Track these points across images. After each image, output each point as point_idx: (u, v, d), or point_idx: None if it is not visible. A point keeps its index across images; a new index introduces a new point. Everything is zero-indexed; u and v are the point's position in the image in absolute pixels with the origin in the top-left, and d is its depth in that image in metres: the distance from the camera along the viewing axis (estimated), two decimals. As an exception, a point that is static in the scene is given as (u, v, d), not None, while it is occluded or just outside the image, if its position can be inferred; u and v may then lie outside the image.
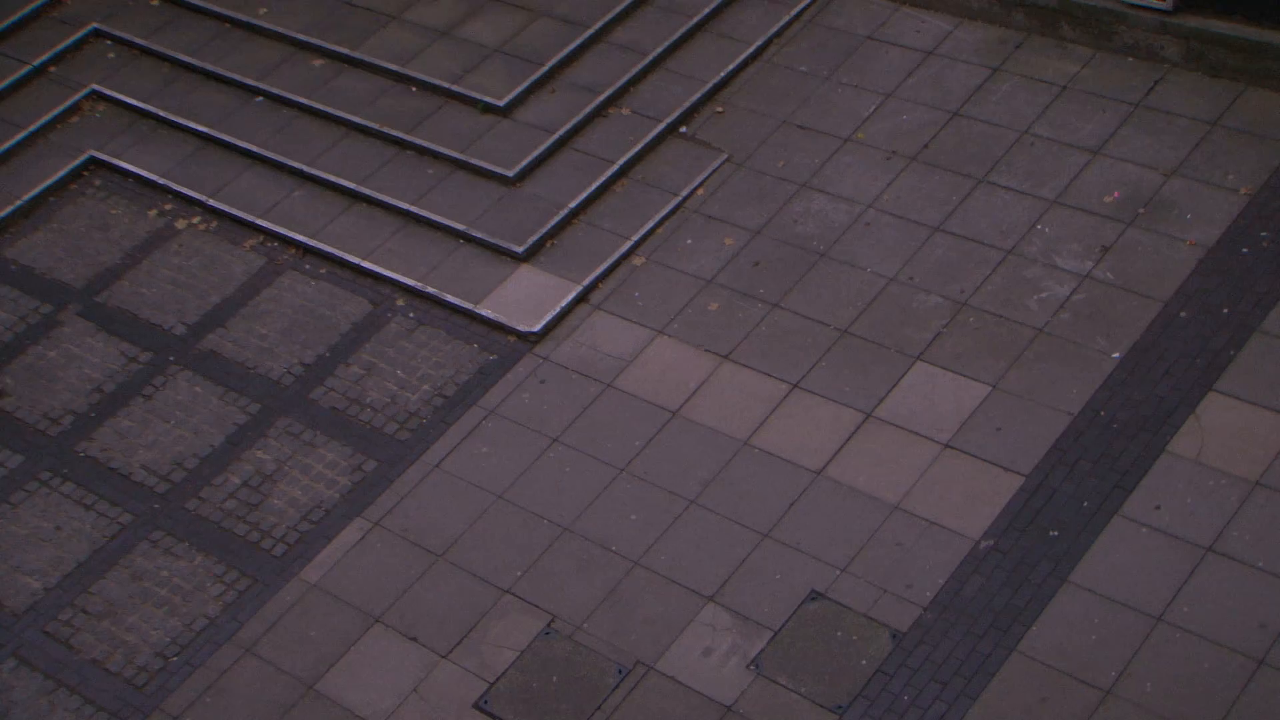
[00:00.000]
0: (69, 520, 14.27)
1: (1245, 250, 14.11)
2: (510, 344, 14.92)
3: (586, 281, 15.19)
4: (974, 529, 12.69)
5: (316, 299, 15.67)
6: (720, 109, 16.56)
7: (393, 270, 15.64)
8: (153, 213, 16.90)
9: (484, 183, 16.22)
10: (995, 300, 14.23)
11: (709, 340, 14.48)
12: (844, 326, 14.33)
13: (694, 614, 12.63)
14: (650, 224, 15.58)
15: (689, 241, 15.39)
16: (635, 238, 15.48)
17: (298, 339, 15.36)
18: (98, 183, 17.35)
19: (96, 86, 18.06)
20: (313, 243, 16.06)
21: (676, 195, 15.81)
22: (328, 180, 16.55)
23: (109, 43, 18.65)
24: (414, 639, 12.93)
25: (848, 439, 13.51)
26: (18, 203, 17.07)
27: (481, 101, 16.77)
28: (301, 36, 17.88)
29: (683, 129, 16.44)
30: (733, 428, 13.76)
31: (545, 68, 16.92)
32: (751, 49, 16.97)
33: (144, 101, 17.76)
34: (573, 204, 15.76)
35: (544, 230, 15.56)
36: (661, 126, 16.34)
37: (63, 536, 14.16)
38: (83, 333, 15.81)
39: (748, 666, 12.25)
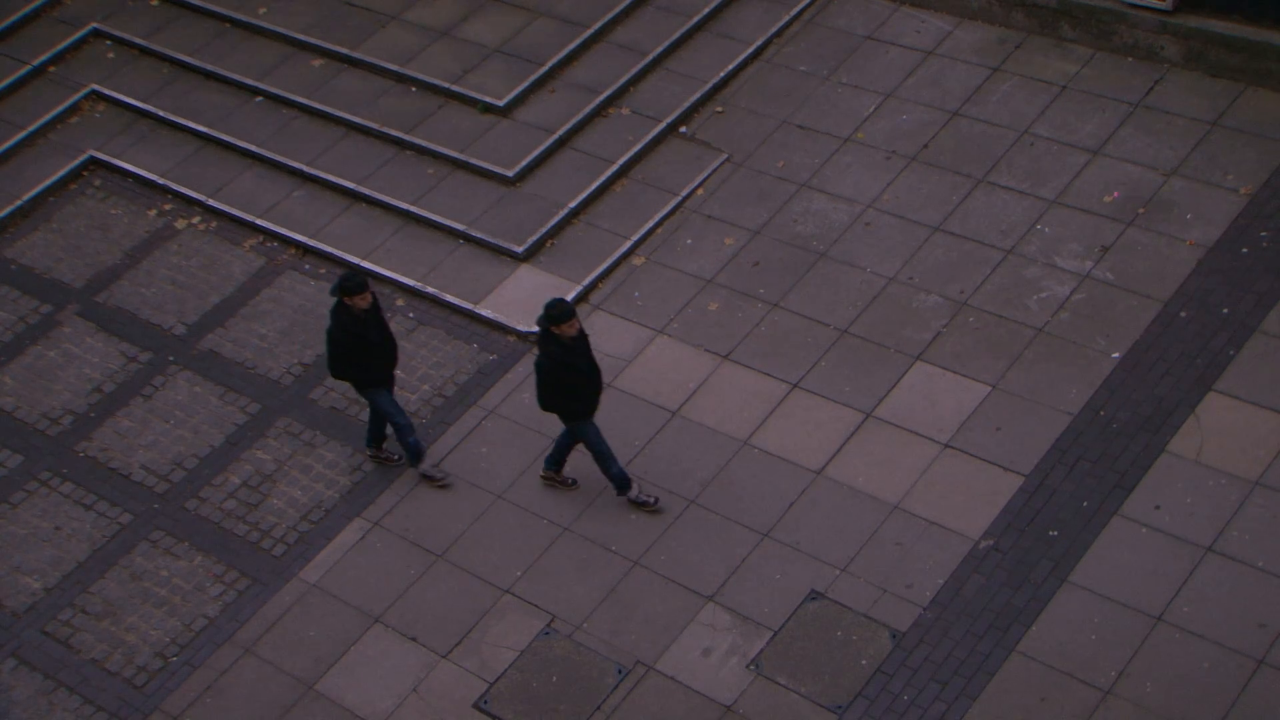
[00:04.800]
0: (69, 520, 14.27)
1: (1245, 250, 14.11)
2: (510, 344, 14.92)
3: (586, 281, 15.19)
4: (974, 529, 12.69)
5: (316, 299, 15.66)
6: (720, 109, 16.56)
7: (392, 270, 15.64)
8: (152, 213, 16.90)
9: (484, 183, 16.22)
10: (995, 300, 14.23)
11: (709, 340, 14.48)
12: (844, 326, 14.33)
13: (694, 614, 12.63)
14: (650, 224, 15.58)
15: (689, 241, 15.39)
16: (635, 238, 15.48)
17: (298, 339, 15.35)
18: (97, 183, 17.35)
19: (96, 86, 18.07)
20: (312, 243, 16.06)
21: (676, 195, 15.81)
22: (327, 180, 16.55)
23: (109, 43, 18.65)
24: (414, 639, 12.93)
25: (848, 439, 13.51)
26: (18, 203, 17.08)
27: (481, 101, 16.77)
28: (301, 36, 17.88)
29: (683, 129, 16.44)
30: (733, 428, 13.76)
31: (545, 68, 16.92)
32: (751, 49, 16.97)
33: (144, 101, 17.76)
34: (573, 204, 15.77)
35: (544, 230, 15.56)
36: (661, 126, 16.34)
37: (63, 536, 14.16)
38: (82, 333, 15.81)
39: (747, 666, 12.25)
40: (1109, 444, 12.99)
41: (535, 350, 12.45)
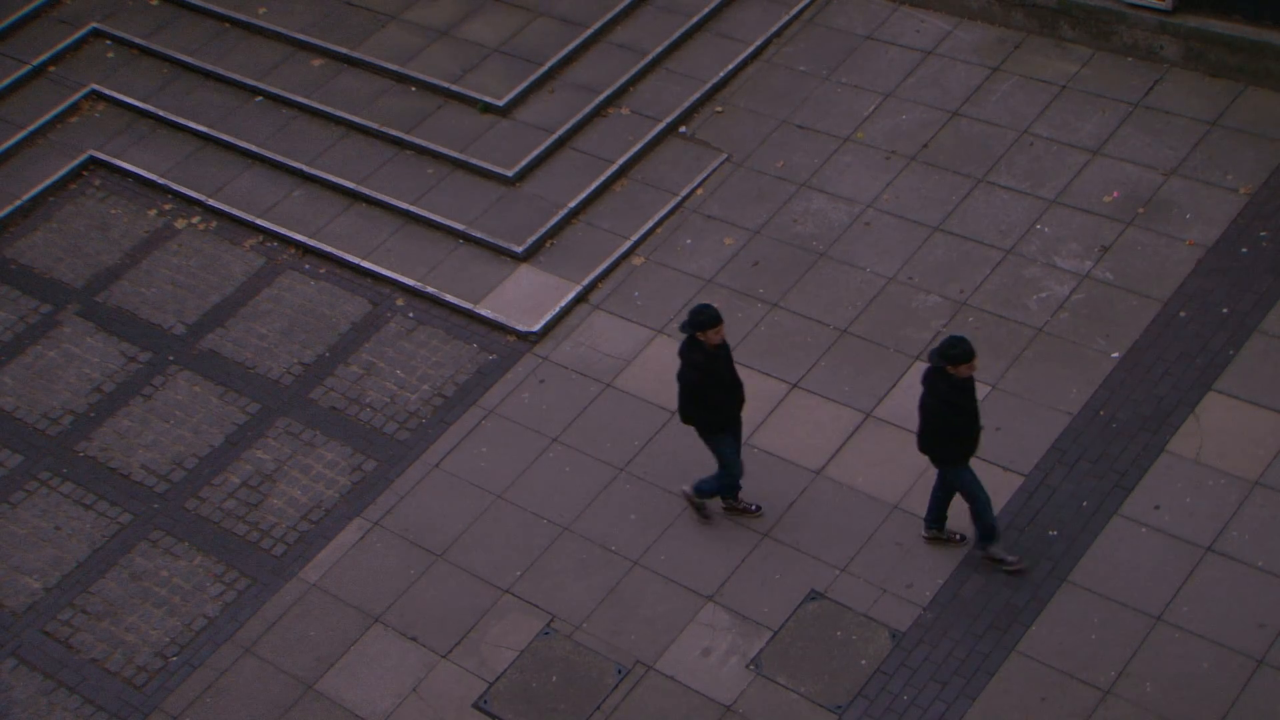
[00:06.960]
0: (69, 520, 14.27)
1: (1245, 250, 14.11)
2: (509, 344, 14.92)
3: (586, 281, 15.19)
4: (974, 528, 12.68)
5: (316, 299, 15.67)
6: (720, 109, 16.56)
7: (392, 270, 15.65)
8: (152, 212, 16.90)
9: (483, 182, 16.22)
10: (995, 300, 14.23)
11: (709, 340, 14.48)
12: (844, 326, 14.33)
13: (693, 614, 12.63)
14: (650, 224, 15.58)
15: (688, 241, 15.39)
16: (635, 237, 15.48)
17: (297, 339, 15.36)
18: (97, 183, 17.35)
19: (96, 86, 18.07)
20: (312, 243, 16.06)
21: (676, 195, 15.81)
22: (327, 180, 16.55)
23: (108, 42, 18.65)
24: (414, 639, 12.93)
25: (848, 439, 13.51)
26: (17, 202, 17.08)
27: (481, 101, 16.77)
28: (301, 36, 17.88)
29: (682, 129, 16.44)
30: (732, 428, 13.76)
31: (545, 68, 16.92)
32: (751, 49, 16.97)
33: (144, 101, 17.76)
34: (572, 204, 15.77)
35: (543, 230, 15.56)
36: (661, 126, 16.34)
37: (63, 536, 14.16)
38: (82, 333, 15.81)
39: (747, 666, 12.26)
40: (1109, 444, 12.99)
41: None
